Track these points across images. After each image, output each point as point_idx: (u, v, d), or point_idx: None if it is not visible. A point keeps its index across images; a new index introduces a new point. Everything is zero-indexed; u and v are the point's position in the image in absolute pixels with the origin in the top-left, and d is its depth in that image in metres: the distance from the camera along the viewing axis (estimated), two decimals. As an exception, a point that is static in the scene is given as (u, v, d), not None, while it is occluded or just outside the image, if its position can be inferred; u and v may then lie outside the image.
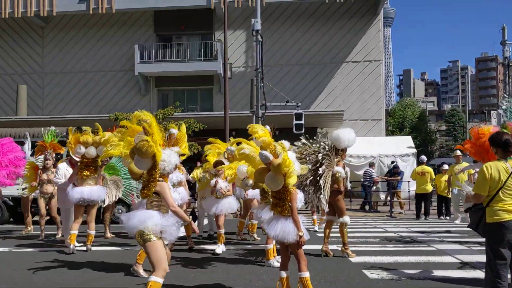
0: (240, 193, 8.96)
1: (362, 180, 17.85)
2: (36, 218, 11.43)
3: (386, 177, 17.34)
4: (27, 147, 11.19)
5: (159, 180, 4.82)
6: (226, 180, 7.87)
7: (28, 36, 26.97)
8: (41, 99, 26.78)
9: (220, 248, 7.85)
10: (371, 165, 18.26)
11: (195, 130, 17.64)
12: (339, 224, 7.78)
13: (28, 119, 21.60)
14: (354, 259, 7.46)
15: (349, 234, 10.10)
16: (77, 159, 8.13)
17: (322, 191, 6.92)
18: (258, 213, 7.06)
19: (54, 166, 10.04)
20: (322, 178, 6.95)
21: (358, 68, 25.53)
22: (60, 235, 9.66)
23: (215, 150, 8.90)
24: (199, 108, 26.03)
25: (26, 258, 7.62)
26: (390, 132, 39.10)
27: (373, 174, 17.53)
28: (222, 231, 7.98)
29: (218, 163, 7.91)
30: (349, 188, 8.47)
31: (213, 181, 7.95)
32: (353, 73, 25.51)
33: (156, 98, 26.87)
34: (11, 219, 13.00)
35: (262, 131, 6.03)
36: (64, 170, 8.61)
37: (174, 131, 7.27)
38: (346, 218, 7.75)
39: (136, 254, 6.44)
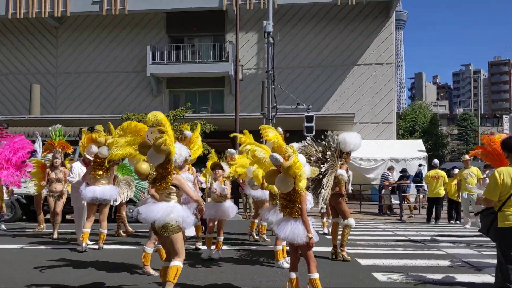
0: (251, 193, 9.03)
1: (380, 183, 17.73)
2: (49, 216, 11.57)
3: (395, 182, 17.27)
4: (38, 146, 11.33)
5: (174, 173, 5.05)
6: (224, 184, 7.66)
7: (42, 36, 27.31)
8: (54, 99, 27.08)
9: (216, 254, 7.54)
10: (390, 169, 18.00)
11: (206, 131, 17.74)
12: (343, 226, 7.79)
13: (41, 118, 21.85)
14: (364, 261, 7.47)
15: (358, 237, 10.16)
16: (90, 158, 8.24)
17: (322, 190, 6.95)
18: (265, 215, 7.11)
19: (63, 164, 10.18)
20: (325, 178, 6.98)
21: (370, 71, 25.48)
22: (55, 235, 9.69)
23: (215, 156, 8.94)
24: (210, 110, 26.15)
25: (38, 256, 7.73)
26: (401, 136, 38.88)
27: (389, 177, 17.39)
28: (221, 238, 7.67)
29: (216, 166, 7.74)
30: (350, 191, 8.41)
31: (209, 184, 7.81)
32: (364, 76, 25.46)
33: (168, 99, 27.05)
34: (24, 217, 13.17)
35: (273, 133, 6.06)
36: (78, 169, 8.73)
37: (188, 133, 7.32)
38: (351, 221, 7.74)
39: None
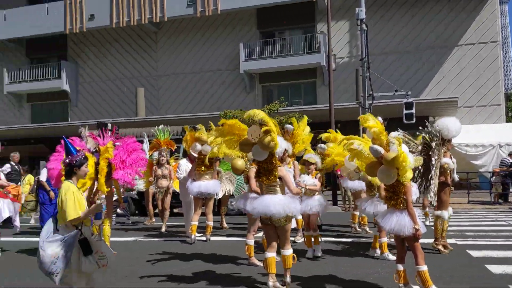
0: (348, 185, 8.92)
1: (498, 169, 16.51)
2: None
3: (506, 168, 16.00)
4: (146, 146, 12.14)
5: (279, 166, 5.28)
6: (316, 177, 7.27)
7: (143, 42, 29.11)
8: (157, 100, 28.78)
9: (318, 251, 7.25)
10: (511, 154, 16.57)
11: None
12: (434, 217, 7.45)
13: (146, 119, 23.35)
14: (475, 253, 7.09)
15: (467, 228, 9.63)
16: (195, 155, 8.70)
17: (431, 182, 6.66)
18: (362, 205, 7.03)
19: (167, 162, 10.83)
20: (433, 169, 6.70)
21: (473, 51, 23.85)
22: (163, 228, 10.32)
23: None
24: (303, 102, 26.15)
25: (151, 248, 8.33)
26: (510, 118, 35.93)
27: (509, 163, 16.06)
28: (315, 233, 7.32)
29: (307, 163, 7.35)
30: (456, 179, 7.95)
31: (300, 178, 7.37)
32: (467, 57, 23.90)
33: (261, 94, 27.52)
34: (137, 212, 14.22)
35: (373, 121, 5.91)
36: (185, 166, 9.25)
37: (290, 127, 7.38)
38: (445, 213, 7.37)
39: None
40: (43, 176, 9.57)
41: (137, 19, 27.27)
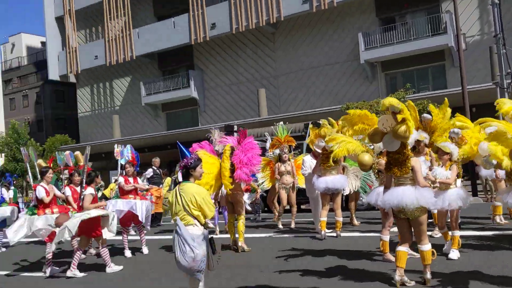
0: (482, 173, 8.13)
1: None
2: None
3: None
4: (268, 145, 12.31)
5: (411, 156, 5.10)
6: (450, 169, 6.40)
7: (261, 43, 29.84)
8: (278, 99, 29.30)
9: (455, 254, 6.35)
10: None
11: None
12: None
13: (269, 118, 23.88)
14: None
15: None
16: (319, 151, 8.66)
17: None
18: (504, 198, 6.20)
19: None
20: None
21: None
22: (293, 225, 10.41)
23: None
24: (431, 87, 24.61)
25: (285, 243, 8.48)
26: None
27: None
28: (456, 232, 6.45)
29: (440, 151, 6.50)
30: None
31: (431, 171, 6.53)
32: None
33: (384, 83, 26.50)
34: (266, 209, 14.60)
35: (510, 104, 5.31)
36: (310, 162, 9.26)
37: (428, 116, 6.89)
38: None
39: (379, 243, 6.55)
40: (180, 177, 10.28)
41: (255, 22, 28.04)
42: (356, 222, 10.15)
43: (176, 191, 4.66)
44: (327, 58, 27.61)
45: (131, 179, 8.81)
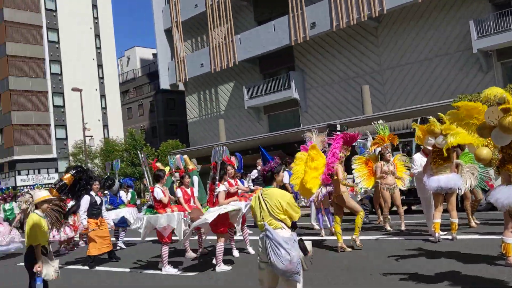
0: None
1: None
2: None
3: None
4: (369, 143, 11.86)
5: None
6: None
7: (363, 39, 29.02)
8: (383, 95, 28.28)
9: None
10: None
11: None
12: None
13: (373, 116, 23.12)
14: None
15: None
16: (430, 149, 8.16)
17: None
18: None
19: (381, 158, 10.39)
20: None
21: None
22: (403, 227, 9.85)
23: None
24: (558, 74, 22.13)
25: (393, 246, 8.14)
26: None
27: None
28: None
29: None
30: None
31: None
32: None
33: (501, 72, 24.32)
34: (373, 209, 14.14)
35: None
36: (420, 160, 8.78)
37: None
38: None
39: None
40: (286, 179, 10.38)
41: (356, 17, 27.38)
42: (473, 224, 9.40)
43: (258, 196, 4.59)
44: (436, 50, 26.05)
45: (232, 181, 8.88)
